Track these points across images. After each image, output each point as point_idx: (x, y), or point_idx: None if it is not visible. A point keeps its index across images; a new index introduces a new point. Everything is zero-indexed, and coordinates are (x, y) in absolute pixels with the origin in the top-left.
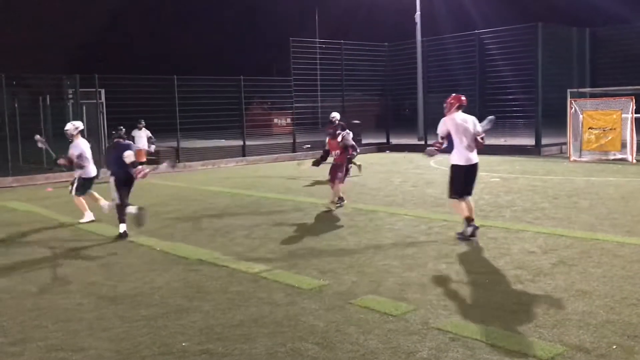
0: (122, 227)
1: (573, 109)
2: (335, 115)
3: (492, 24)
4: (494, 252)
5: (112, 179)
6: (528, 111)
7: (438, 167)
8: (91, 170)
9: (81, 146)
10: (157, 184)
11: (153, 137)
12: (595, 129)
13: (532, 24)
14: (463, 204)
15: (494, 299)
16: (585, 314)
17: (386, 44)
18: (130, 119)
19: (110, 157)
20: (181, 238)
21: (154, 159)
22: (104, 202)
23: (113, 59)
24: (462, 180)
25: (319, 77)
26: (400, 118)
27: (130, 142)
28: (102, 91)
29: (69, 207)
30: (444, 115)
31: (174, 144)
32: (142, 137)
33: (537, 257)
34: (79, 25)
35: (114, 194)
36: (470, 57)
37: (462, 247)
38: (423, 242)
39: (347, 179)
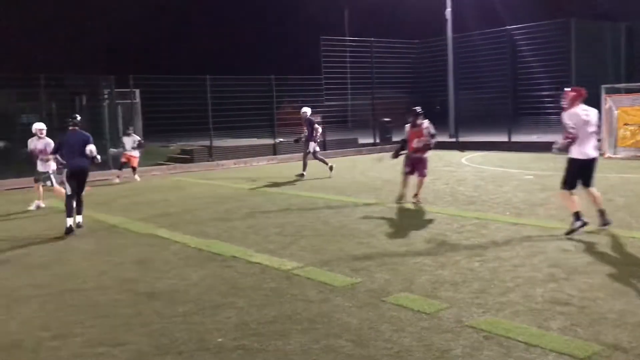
0: (69, 221)
1: (607, 104)
2: (307, 111)
3: (522, 19)
4: (528, 250)
5: (66, 171)
6: (561, 107)
7: (469, 165)
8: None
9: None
10: (190, 182)
11: (142, 141)
12: (631, 125)
13: (564, 19)
14: (574, 198)
15: (528, 297)
16: (623, 312)
17: (416, 41)
18: (165, 118)
19: (69, 145)
20: (215, 235)
21: (188, 157)
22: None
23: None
24: (576, 174)
25: (349, 75)
26: (431, 115)
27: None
28: (137, 91)
29: (105, 205)
30: (471, 116)
31: (207, 142)
32: (128, 142)
33: (572, 255)
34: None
35: (67, 186)
36: (501, 53)
37: (494, 245)
38: (455, 240)
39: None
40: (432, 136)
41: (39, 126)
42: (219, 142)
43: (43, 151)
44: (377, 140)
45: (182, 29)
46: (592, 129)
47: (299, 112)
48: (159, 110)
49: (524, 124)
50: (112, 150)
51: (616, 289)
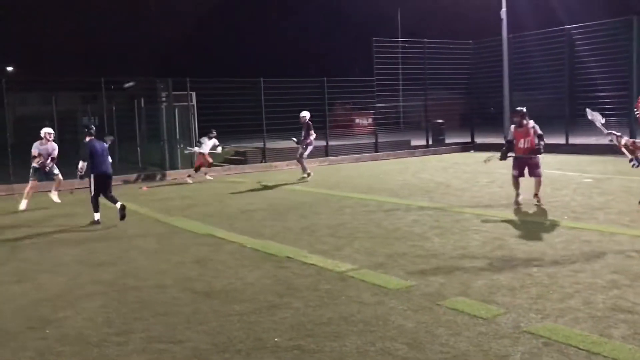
0: (97, 216)
1: None
2: (306, 115)
3: (580, 18)
4: (588, 256)
5: (93, 175)
6: (621, 109)
7: (489, 159)
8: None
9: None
10: (244, 182)
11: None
12: None
13: (626, 17)
14: None
15: (589, 304)
16: None
17: (471, 41)
18: (219, 120)
19: (97, 153)
20: (270, 236)
21: (241, 159)
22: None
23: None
24: None
25: (401, 77)
26: (486, 117)
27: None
28: (193, 94)
29: (164, 205)
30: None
31: (261, 144)
32: (209, 144)
33: (636, 262)
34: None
35: (92, 187)
36: (559, 53)
37: (552, 250)
38: (512, 244)
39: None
40: (540, 137)
41: (48, 130)
42: (272, 144)
43: (49, 155)
44: (430, 142)
45: (236, 33)
46: None
47: (352, 113)
48: (214, 112)
49: (582, 126)
50: (189, 149)
51: None
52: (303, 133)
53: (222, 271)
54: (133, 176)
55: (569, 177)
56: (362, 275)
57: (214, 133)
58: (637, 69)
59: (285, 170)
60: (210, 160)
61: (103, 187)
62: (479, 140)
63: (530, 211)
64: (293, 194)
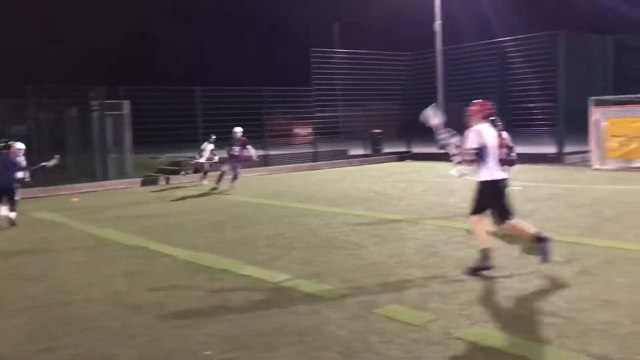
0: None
1: (596, 116)
2: (237, 130)
3: (512, 32)
4: (516, 262)
5: None
6: (550, 119)
7: (461, 174)
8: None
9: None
10: (179, 193)
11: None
12: (619, 136)
13: (553, 32)
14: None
15: (517, 308)
16: (610, 324)
17: (407, 53)
18: (154, 129)
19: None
20: (205, 247)
21: (177, 169)
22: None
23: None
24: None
25: (339, 87)
26: (422, 127)
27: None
28: (127, 103)
29: (93, 217)
30: (462, 128)
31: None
32: (208, 150)
33: (561, 267)
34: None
35: None
36: (491, 65)
37: None
38: (444, 251)
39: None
40: (511, 149)
41: (19, 145)
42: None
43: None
44: (368, 152)
45: (171, 40)
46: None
47: (290, 123)
48: (148, 121)
49: (515, 136)
50: (195, 161)
51: (604, 300)
52: (236, 149)
53: (153, 284)
54: (64, 187)
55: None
56: (297, 286)
57: (213, 138)
58: (564, 80)
59: (222, 181)
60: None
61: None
62: (415, 149)
63: (463, 219)
64: (230, 204)
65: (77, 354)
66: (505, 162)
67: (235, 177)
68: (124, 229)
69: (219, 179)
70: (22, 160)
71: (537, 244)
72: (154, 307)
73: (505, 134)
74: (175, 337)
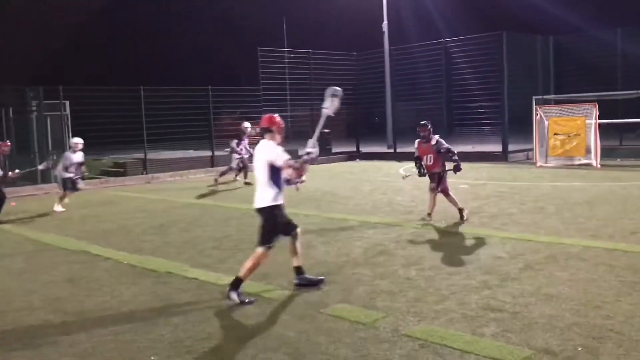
0: None
1: (538, 115)
2: (247, 125)
3: (458, 32)
4: (463, 258)
5: None
6: (494, 118)
7: (407, 175)
8: None
9: None
10: (124, 196)
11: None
12: (561, 135)
13: (497, 32)
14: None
15: (463, 305)
16: (552, 317)
17: (354, 53)
18: (96, 130)
19: None
20: (149, 251)
21: (121, 171)
22: None
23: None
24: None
25: (287, 87)
26: (370, 126)
27: None
28: (67, 103)
29: (33, 221)
30: (409, 127)
31: (141, 155)
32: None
33: (505, 262)
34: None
35: None
36: (437, 65)
37: (432, 254)
38: (393, 249)
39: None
40: (448, 151)
41: (77, 140)
42: (154, 155)
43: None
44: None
45: (114, 38)
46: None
47: (238, 123)
48: (90, 122)
49: (460, 135)
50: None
51: (546, 295)
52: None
53: (95, 289)
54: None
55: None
56: (245, 287)
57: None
58: (508, 79)
59: (167, 182)
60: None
61: None
62: (364, 149)
63: (410, 217)
64: (176, 206)
65: None
66: (455, 167)
67: (245, 171)
68: (64, 233)
69: (223, 174)
70: None
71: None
72: (96, 313)
73: (437, 138)
74: (118, 344)
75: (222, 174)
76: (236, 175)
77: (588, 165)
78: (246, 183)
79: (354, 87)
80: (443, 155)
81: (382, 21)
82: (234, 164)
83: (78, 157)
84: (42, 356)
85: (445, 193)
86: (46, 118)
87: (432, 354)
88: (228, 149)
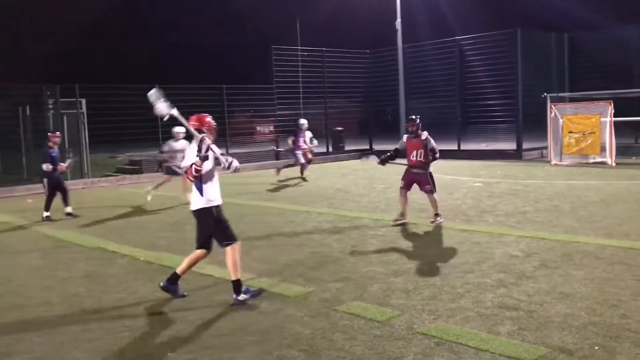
0: None
1: (553, 113)
2: (304, 122)
3: (471, 30)
4: (478, 257)
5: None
6: (508, 116)
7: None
8: None
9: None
10: (139, 193)
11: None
12: (575, 132)
13: (511, 29)
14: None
15: (478, 303)
16: (568, 316)
17: (367, 51)
18: (112, 127)
19: None
20: (165, 247)
21: (136, 168)
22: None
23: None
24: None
25: (301, 85)
26: (383, 124)
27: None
28: (83, 101)
29: (52, 217)
30: (423, 125)
31: (157, 152)
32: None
33: (520, 261)
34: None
35: None
36: (450, 63)
37: (446, 252)
38: (406, 247)
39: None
40: (433, 151)
41: (178, 129)
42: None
43: (180, 151)
44: (330, 149)
45: (131, 37)
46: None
47: (251, 121)
48: (106, 120)
49: (473, 132)
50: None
51: (562, 293)
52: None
53: (113, 286)
54: (19, 188)
55: (460, 181)
56: (260, 284)
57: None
58: (522, 77)
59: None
60: (310, 156)
61: None
62: (377, 146)
63: (424, 215)
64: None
65: (33, 358)
66: (421, 166)
67: (302, 166)
68: (81, 230)
69: (283, 168)
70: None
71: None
72: (113, 309)
73: (427, 135)
74: (135, 340)
75: (287, 166)
76: (302, 173)
77: (603, 163)
78: (303, 179)
79: (367, 85)
80: (431, 153)
81: (396, 19)
82: (302, 160)
83: (180, 145)
84: (61, 352)
85: (428, 192)
86: (63, 116)
87: (448, 351)
88: (281, 148)
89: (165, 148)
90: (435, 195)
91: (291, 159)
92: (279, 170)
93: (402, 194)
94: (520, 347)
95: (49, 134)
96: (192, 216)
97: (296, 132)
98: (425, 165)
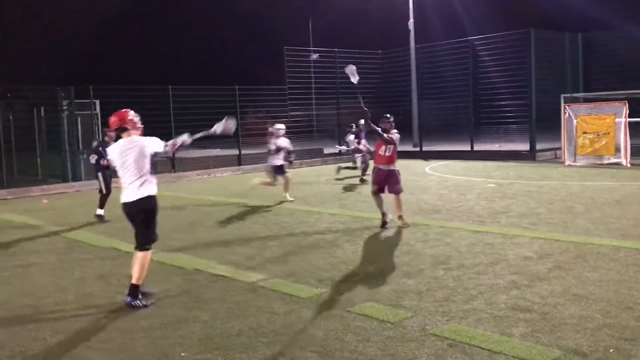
0: None
1: (567, 113)
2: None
3: (484, 30)
4: (491, 258)
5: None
6: (522, 116)
7: (433, 174)
8: None
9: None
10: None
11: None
12: (589, 133)
13: (524, 29)
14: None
15: (491, 304)
16: (582, 318)
17: (380, 51)
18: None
19: None
20: (178, 248)
21: None
22: None
23: (108, 69)
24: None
25: (313, 85)
26: (396, 125)
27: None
28: (97, 102)
29: (65, 219)
30: (435, 126)
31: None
32: (352, 140)
33: (534, 262)
34: (73, 36)
35: None
36: (463, 63)
37: (459, 254)
38: (419, 248)
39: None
40: (394, 144)
41: (279, 126)
42: (182, 153)
43: (284, 148)
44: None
45: (144, 39)
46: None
47: (264, 122)
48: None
49: (486, 133)
50: (343, 148)
51: (576, 295)
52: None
53: (126, 286)
54: (34, 189)
55: (473, 182)
56: (272, 285)
57: (354, 128)
58: (535, 77)
59: (195, 180)
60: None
61: None
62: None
63: (437, 216)
64: (203, 204)
65: (48, 358)
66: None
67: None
68: (95, 230)
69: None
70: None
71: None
72: (127, 309)
73: (395, 132)
74: (149, 340)
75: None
76: (363, 175)
77: (617, 164)
78: (362, 180)
79: (379, 85)
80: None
81: (408, 19)
82: (358, 162)
83: (282, 142)
84: (75, 352)
85: (396, 193)
86: (77, 117)
87: (461, 353)
88: (343, 148)
89: (272, 147)
90: (402, 196)
91: (356, 157)
92: (339, 169)
93: (377, 198)
94: (534, 349)
95: (105, 129)
96: (206, 217)
97: (358, 133)
98: (393, 162)
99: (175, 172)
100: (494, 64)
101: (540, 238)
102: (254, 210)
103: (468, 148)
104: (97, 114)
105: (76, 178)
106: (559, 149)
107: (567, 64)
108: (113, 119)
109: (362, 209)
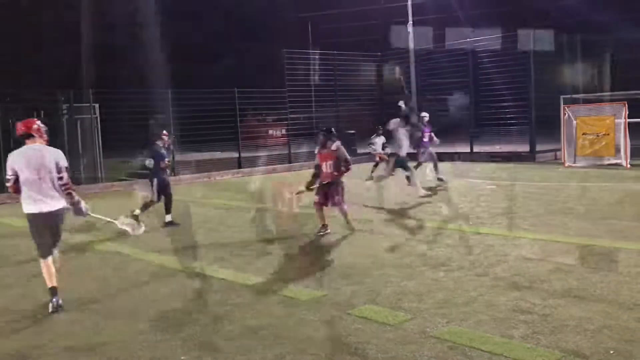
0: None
1: (566, 115)
2: (425, 115)
3: (484, 31)
4: (491, 260)
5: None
6: (521, 118)
7: (433, 175)
8: None
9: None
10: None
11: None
12: (589, 134)
13: (524, 31)
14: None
15: (492, 306)
16: (583, 319)
17: (379, 53)
18: (125, 132)
19: None
20: (179, 251)
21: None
22: None
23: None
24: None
25: (312, 88)
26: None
27: None
28: (97, 106)
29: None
30: (436, 128)
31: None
32: (379, 143)
33: (534, 264)
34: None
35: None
36: (462, 65)
37: (459, 256)
38: (419, 250)
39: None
40: (346, 162)
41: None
42: (182, 156)
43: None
44: None
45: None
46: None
47: (263, 124)
48: (119, 124)
49: (486, 135)
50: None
51: (577, 297)
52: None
53: (126, 289)
54: None
55: (473, 184)
56: (272, 288)
57: (381, 130)
58: (534, 79)
59: (194, 183)
60: (386, 158)
61: None
62: (389, 150)
63: (437, 218)
64: (203, 207)
65: None
66: (332, 176)
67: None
68: (95, 234)
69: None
70: None
71: None
72: (127, 313)
73: (339, 145)
74: (148, 343)
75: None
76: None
77: (618, 165)
78: (440, 180)
79: (378, 88)
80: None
81: (407, 22)
82: (432, 157)
83: (380, 139)
84: (74, 356)
85: (336, 205)
86: (76, 121)
87: (461, 355)
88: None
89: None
90: (345, 206)
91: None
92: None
93: (318, 210)
94: (535, 351)
95: (161, 131)
96: (207, 220)
97: (420, 127)
98: (336, 176)
99: (175, 175)
100: (494, 65)
101: (540, 239)
102: (254, 212)
103: (468, 150)
104: (96, 117)
105: (77, 182)
106: (559, 150)
107: (566, 65)
108: (21, 126)
109: (364, 212)
